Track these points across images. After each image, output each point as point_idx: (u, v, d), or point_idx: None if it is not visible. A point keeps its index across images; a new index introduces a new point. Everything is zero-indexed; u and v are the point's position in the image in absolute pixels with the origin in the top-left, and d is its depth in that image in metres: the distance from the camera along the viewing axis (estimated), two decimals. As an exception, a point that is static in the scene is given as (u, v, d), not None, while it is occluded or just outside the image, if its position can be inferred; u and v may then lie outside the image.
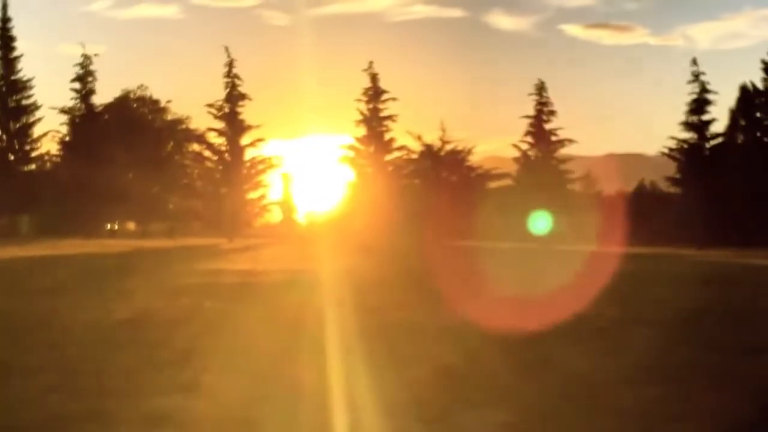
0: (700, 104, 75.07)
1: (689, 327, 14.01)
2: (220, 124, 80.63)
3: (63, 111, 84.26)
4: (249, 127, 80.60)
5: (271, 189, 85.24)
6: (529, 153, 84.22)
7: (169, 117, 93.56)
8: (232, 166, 79.75)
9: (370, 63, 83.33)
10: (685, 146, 75.61)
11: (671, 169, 78.41)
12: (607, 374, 9.67)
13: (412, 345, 11.65)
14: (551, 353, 11.06)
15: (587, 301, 16.79)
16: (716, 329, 13.74)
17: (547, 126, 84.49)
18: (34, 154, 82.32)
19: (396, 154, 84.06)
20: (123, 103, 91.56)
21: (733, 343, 12.02)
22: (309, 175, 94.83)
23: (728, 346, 11.81)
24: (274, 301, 17.95)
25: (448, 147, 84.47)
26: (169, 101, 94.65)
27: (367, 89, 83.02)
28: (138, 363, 10.06)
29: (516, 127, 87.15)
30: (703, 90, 75.01)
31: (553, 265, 35.60)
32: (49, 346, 11.33)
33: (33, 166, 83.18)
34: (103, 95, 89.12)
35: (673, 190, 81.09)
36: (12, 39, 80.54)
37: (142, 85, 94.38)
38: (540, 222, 73.07)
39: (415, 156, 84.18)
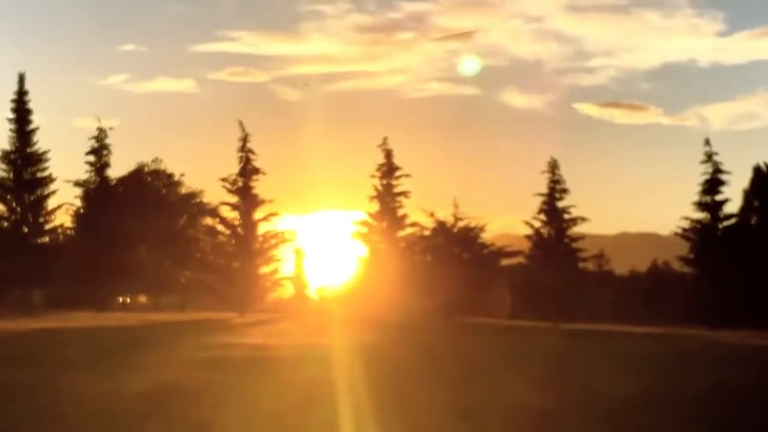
0: (713, 184, 74.96)
1: (698, 407, 13.99)
2: (233, 198, 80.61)
3: (77, 184, 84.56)
4: (262, 202, 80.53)
5: (283, 264, 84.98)
6: (542, 231, 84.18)
7: (183, 191, 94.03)
8: (245, 241, 79.64)
9: (384, 139, 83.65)
10: (699, 226, 75.35)
11: (684, 248, 78.02)
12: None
13: (420, 422, 11.66)
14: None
15: (595, 381, 16.77)
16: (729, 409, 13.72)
17: (560, 204, 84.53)
18: (47, 226, 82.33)
19: (408, 230, 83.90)
20: (137, 176, 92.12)
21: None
22: (321, 251, 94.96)
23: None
24: (285, 375, 17.96)
25: (461, 224, 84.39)
26: (182, 175, 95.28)
27: (381, 165, 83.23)
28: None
29: (529, 205, 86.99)
30: (717, 170, 74.86)
31: (560, 344, 35.46)
32: (62, 417, 11.37)
33: (47, 239, 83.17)
34: (117, 168, 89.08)
35: (686, 270, 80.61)
36: (29, 112, 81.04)
37: (156, 159, 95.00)
38: None
39: (427, 232, 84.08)
